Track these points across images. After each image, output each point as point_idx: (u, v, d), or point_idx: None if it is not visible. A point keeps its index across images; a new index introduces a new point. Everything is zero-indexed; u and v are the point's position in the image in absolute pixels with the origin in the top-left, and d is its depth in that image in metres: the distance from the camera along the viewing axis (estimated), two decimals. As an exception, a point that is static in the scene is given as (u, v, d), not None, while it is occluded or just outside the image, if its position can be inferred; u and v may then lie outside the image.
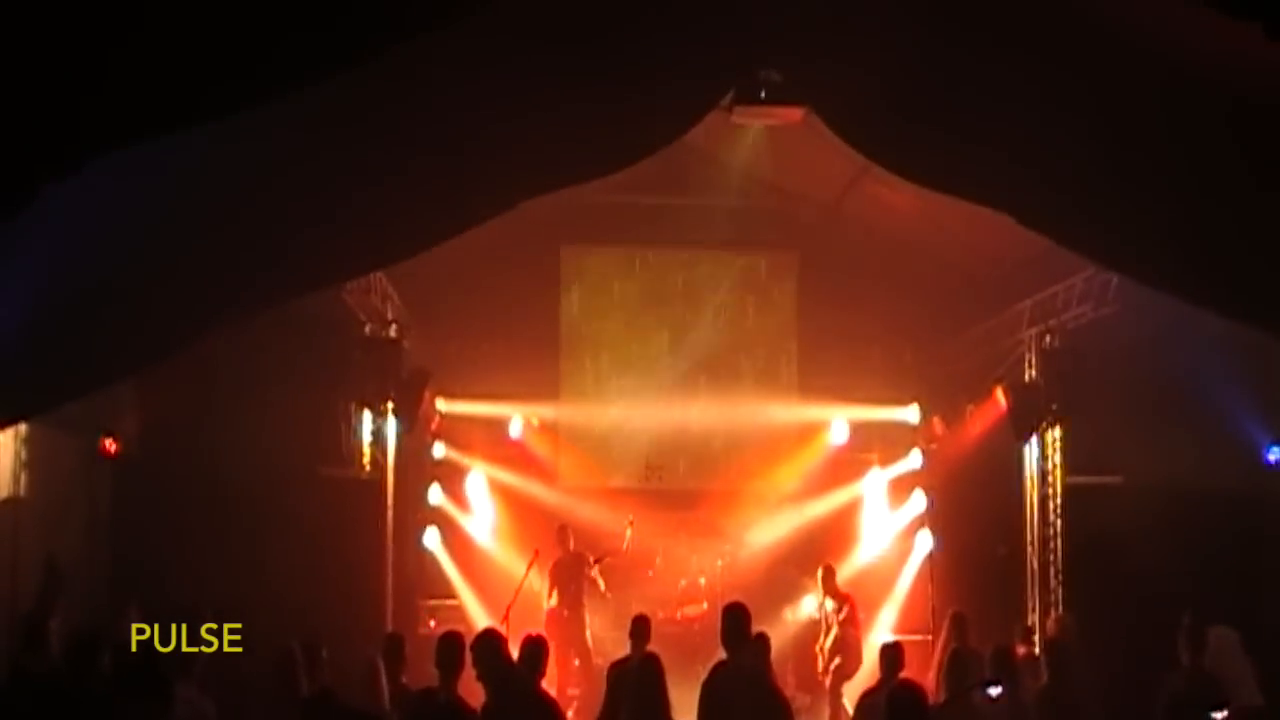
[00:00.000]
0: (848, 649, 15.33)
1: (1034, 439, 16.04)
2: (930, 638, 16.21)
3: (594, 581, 16.05)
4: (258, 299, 10.70)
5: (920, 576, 18.05)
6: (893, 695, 7.27)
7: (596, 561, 16.12)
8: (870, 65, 9.55)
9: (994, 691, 8.90)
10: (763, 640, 10.14)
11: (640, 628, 11.14)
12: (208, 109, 7.20)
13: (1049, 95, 9.27)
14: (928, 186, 11.26)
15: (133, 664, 8.16)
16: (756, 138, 15.29)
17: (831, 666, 15.31)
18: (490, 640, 8.71)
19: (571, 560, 16.09)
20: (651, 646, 10.94)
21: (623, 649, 12.14)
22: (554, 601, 15.93)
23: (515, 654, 9.05)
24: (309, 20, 6.99)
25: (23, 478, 12.41)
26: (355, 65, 7.44)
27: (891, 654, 10.46)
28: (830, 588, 15.75)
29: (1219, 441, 13.94)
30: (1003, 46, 9.35)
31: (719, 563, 17.90)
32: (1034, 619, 15.69)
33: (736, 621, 9.32)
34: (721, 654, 9.39)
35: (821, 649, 15.58)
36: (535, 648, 8.98)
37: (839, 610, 15.49)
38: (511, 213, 11.03)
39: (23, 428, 12.29)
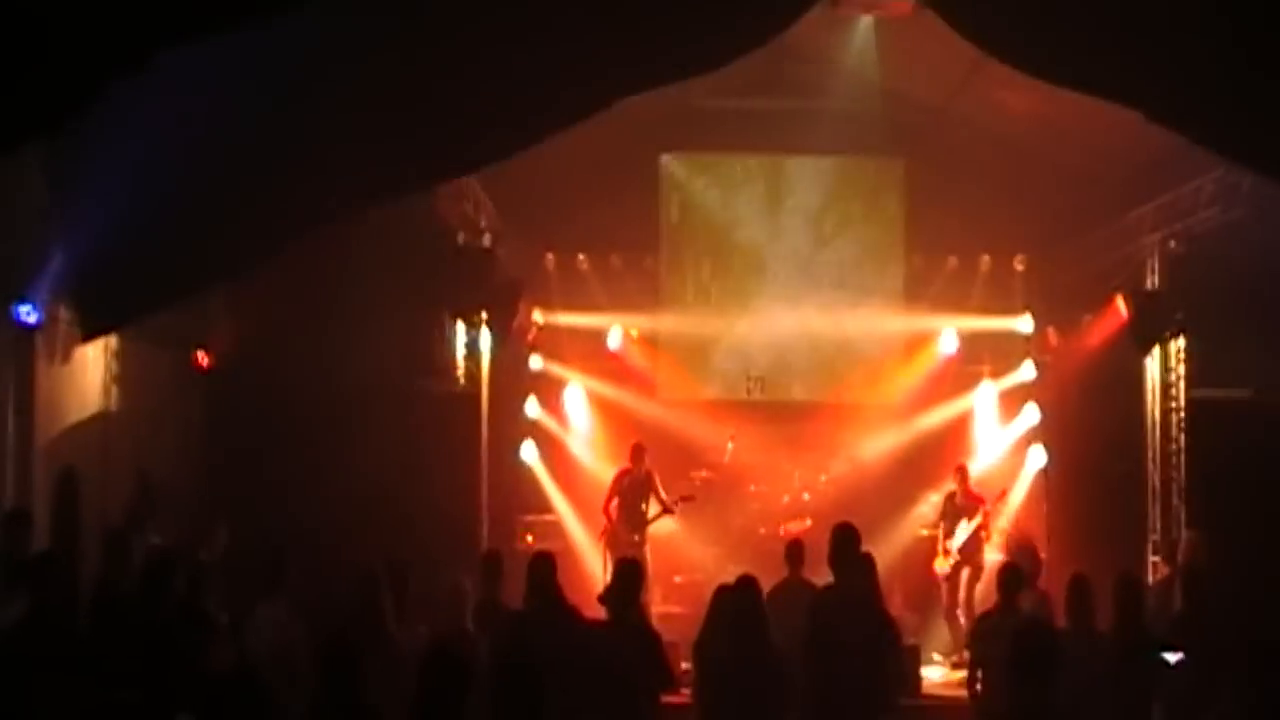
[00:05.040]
0: (975, 560, 14.86)
1: (1156, 350, 15.43)
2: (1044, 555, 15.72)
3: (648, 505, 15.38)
4: (349, 203, 10.57)
5: (1032, 493, 17.50)
6: (1021, 638, 6.85)
7: (682, 500, 15.69)
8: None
9: (1173, 659, 8.73)
10: (869, 561, 9.58)
11: (795, 551, 10.86)
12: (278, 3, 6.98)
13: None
14: (1049, 81, 10.67)
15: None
16: (863, 37, 14.71)
17: (962, 578, 14.82)
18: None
19: (640, 478, 15.51)
20: (754, 563, 10.60)
21: (723, 566, 11.79)
22: (614, 508, 15.31)
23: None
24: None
25: (114, 391, 12.27)
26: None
27: (1010, 577, 9.71)
28: (965, 490, 15.32)
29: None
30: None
31: (822, 478, 17.48)
32: (1155, 539, 15.13)
33: (846, 542, 8.90)
34: (827, 574, 9.00)
35: (944, 549, 15.10)
36: (630, 571, 8.63)
37: (972, 514, 15.01)
38: (608, 118, 10.68)
39: (114, 341, 12.16)
